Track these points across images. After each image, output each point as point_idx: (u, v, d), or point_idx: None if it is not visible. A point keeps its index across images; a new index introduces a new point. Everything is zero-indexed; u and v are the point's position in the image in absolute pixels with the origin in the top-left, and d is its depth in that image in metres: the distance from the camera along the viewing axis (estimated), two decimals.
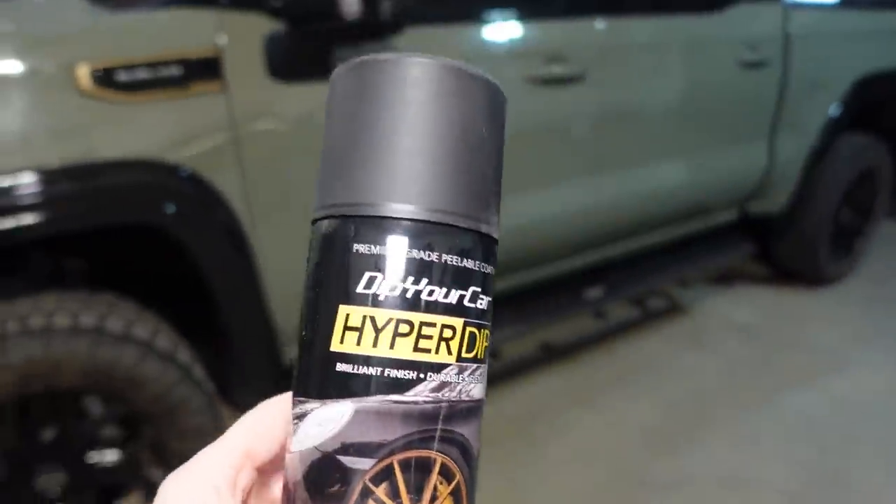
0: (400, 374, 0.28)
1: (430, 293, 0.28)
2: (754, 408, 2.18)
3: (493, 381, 2.29)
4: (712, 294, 2.99)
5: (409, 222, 0.28)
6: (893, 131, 3.06)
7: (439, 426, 0.28)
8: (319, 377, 0.28)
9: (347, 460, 0.27)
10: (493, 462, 1.95)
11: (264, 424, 0.32)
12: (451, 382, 0.29)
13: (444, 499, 0.28)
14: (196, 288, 1.44)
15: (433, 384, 0.28)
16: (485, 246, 0.30)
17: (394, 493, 0.28)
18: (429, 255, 0.28)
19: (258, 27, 1.37)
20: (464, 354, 0.29)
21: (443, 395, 0.28)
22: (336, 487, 0.27)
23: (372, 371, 0.27)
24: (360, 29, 1.37)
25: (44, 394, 1.31)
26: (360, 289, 0.28)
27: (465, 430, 0.29)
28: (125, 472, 1.47)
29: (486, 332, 0.30)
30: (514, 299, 2.08)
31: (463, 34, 1.74)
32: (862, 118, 2.89)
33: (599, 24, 1.97)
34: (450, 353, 0.28)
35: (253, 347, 1.50)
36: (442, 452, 0.28)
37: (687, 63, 2.24)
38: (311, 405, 0.28)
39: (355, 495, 0.27)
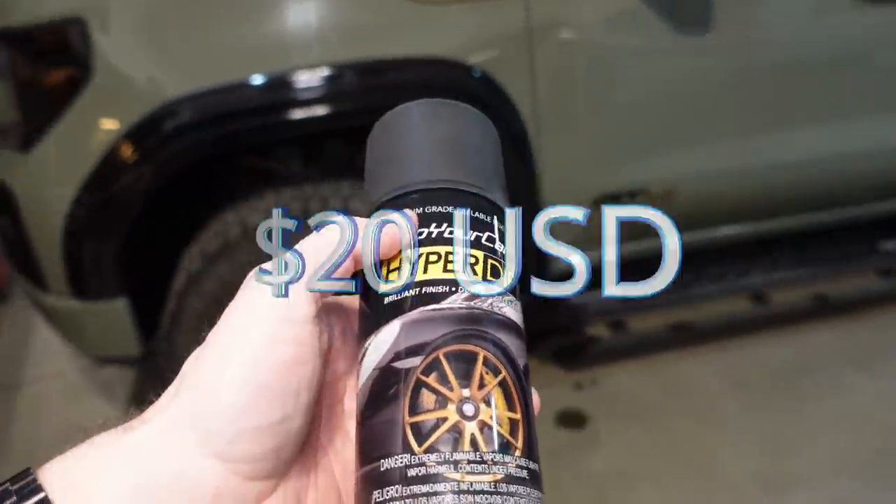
0: (434, 288, 0.33)
1: (451, 232, 0.35)
2: None
3: (759, 328, 2.14)
4: None
5: (426, 191, 0.36)
6: None
7: (476, 326, 0.32)
8: (374, 316, 0.34)
9: (400, 364, 0.32)
10: (754, 411, 1.84)
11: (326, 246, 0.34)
12: (480, 296, 0.33)
13: (493, 388, 0.31)
14: None
15: (465, 295, 0.33)
16: (495, 209, 0.37)
17: (443, 380, 0.31)
18: (444, 208, 0.35)
19: None
20: (489, 278, 0.34)
21: (474, 304, 0.33)
22: (394, 389, 0.31)
23: (412, 292, 0.33)
24: None
25: None
26: None
27: (503, 336, 0.33)
28: None
29: (513, 273, 0.35)
30: (796, 241, 1.91)
31: None
32: None
33: None
34: (475, 274, 0.34)
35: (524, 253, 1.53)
36: (483, 348, 0.32)
37: None
38: (369, 340, 0.33)
39: (410, 388, 0.31)
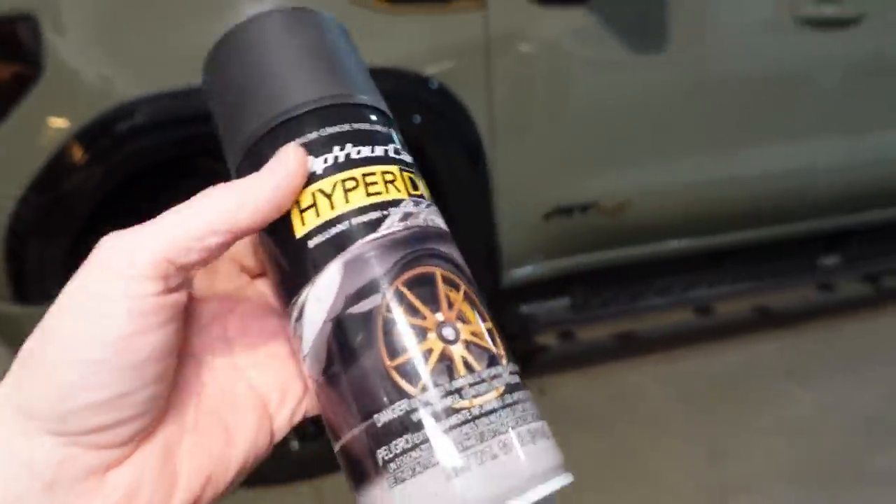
0: (365, 217, 0.30)
1: (358, 152, 0.31)
2: None
3: (703, 338, 2.20)
4: None
5: (317, 110, 0.32)
6: None
7: (421, 245, 0.30)
8: (299, 265, 0.30)
9: (358, 307, 0.29)
10: (694, 421, 1.89)
11: (259, 183, 0.30)
12: (412, 213, 0.31)
13: (461, 303, 0.30)
14: None
15: (398, 216, 0.30)
16: (386, 117, 0.34)
17: (413, 311, 0.29)
18: (341, 127, 0.32)
19: None
20: (412, 192, 0.32)
21: (410, 222, 0.31)
22: (361, 336, 0.29)
23: (341, 227, 0.30)
24: None
25: None
26: None
27: (446, 248, 0.31)
28: None
29: (424, 182, 0.33)
30: (742, 255, 1.97)
31: None
32: None
33: None
34: (399, 191, 0.31)
35: (475, 264, 1.54)
36: (437, 266, 0.30)
37: None
38: (304, 292, 0.30)
39: (381, 330, 0.28)
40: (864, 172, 1.95)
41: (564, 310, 1.77)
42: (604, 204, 1.61)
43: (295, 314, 0.31)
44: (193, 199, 0.30)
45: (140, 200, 1.46)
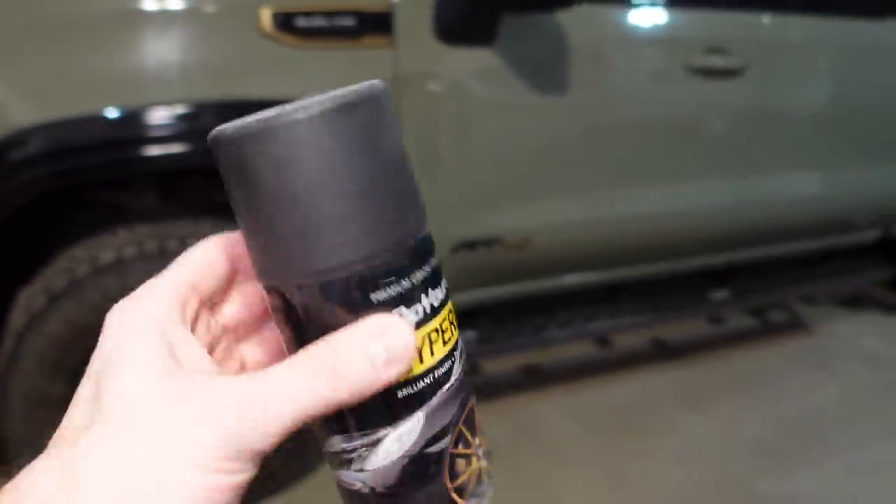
0: (443, 368, 0.31)
1: (437, 298, 0.31)
2: (875, 438, 2.07)
3: (601, 370, 2.27)
4: (838, 315, 2.85)
5: (408, 251, 0.29)
6: None
7: (466, 380, 0.33)
8: (383, 410, 0.31)
9: (433, 449, 0.32)
10: (595, 450, 1.94)
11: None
12: (462, 349, 0.33)
13: (479, 421, 0.35)
14: None
15: (460, 359, 0.33)
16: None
17: (466, 444, 0.33)
18: (424, 270, 0.30)
19: None
20: (456, 325, 0.33)
21: (463, 361, 0.33)
22: (431, 469, 0.32)
23: (427, 380, 0.31)
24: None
25: None
26: None
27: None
28: None
29: None
30: (638, 290, 2.05)
31: (631, 16, 1.72)
32: None
33: (766, 18, 1.90)
34: (456, 329, 0.33)
35: None
36: (472, 395, 0.34)
37: (852, 70, 2.12)
38: (383, 432, 0.31)
39: (446, 466, 0.32)
40: (748, 212, 2.08)
41: (471, 343, 1.80)
42: (508, 239, 1.65)
43: (365, 441, 0.31)
44: (272, 371, 0.27)
45: (34, 231, 1.40)
